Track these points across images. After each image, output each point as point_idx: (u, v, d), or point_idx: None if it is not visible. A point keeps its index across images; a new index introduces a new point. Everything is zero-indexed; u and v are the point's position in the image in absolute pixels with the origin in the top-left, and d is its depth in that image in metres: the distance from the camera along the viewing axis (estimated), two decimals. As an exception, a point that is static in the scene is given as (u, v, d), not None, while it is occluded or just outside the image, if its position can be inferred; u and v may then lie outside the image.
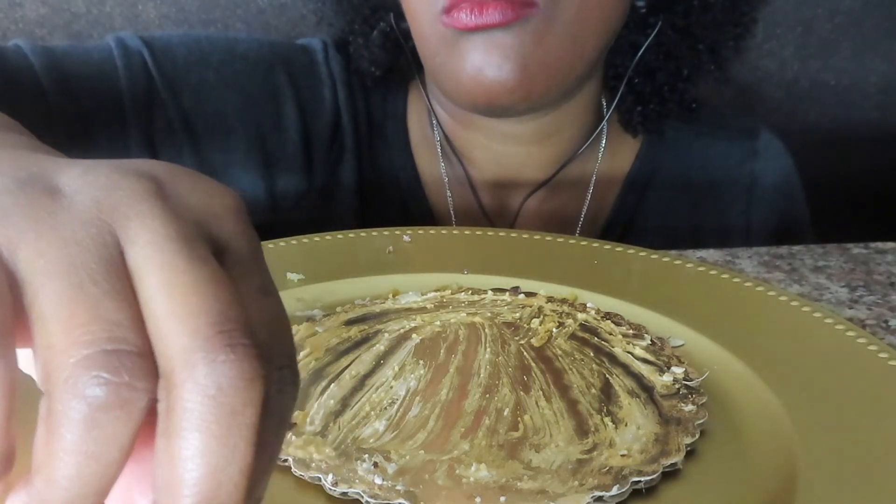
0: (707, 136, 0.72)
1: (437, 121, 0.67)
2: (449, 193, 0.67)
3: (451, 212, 0.67)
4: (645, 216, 0.69)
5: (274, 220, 0.64)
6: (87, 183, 0.21)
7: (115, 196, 0.20)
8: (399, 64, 0.65)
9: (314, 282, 0.45)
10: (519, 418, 0.31)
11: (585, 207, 0.68)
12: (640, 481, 0.28)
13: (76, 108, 0.56)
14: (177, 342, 0.18)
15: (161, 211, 0.20)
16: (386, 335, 0.38)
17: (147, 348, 0.18)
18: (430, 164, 0.68)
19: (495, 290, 0.43)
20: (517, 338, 0.37)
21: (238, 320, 0.19)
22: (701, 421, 0.31)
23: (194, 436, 0.18)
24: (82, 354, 0.18)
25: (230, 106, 0.62)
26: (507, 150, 0.66)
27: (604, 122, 0.67)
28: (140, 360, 0.18)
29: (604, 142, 0.68)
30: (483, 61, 0.53)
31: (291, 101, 0.64)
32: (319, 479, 0.28)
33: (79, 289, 0.18)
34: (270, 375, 0.19)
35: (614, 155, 0.69)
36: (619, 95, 0.65)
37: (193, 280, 0.19)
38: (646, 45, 0.63)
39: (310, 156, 0.65)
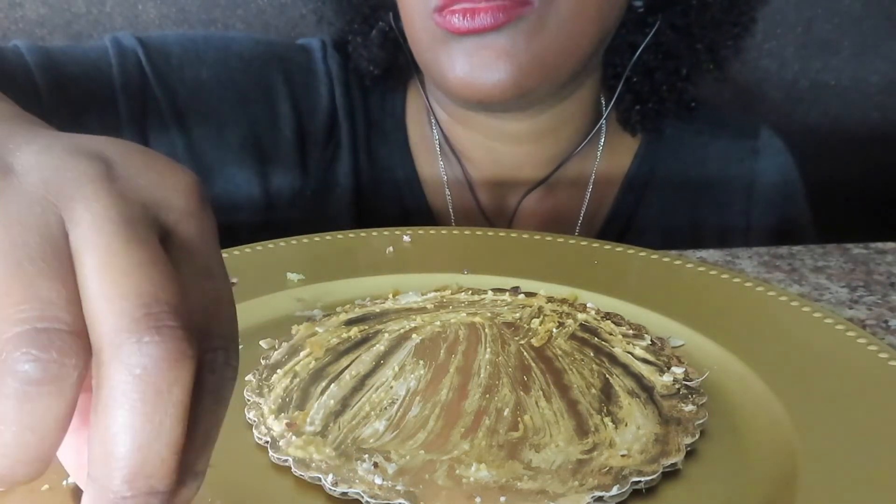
0: (707, 135, 0.72)
1: (436, 120, 0.67)
2: (448, 192, 0.67)
3: (451, 211, 0.67)
4: (644, 215, 0.69)
5: (269, 218, 0.65)
6: (39, 163, 0.21)
7: (63, 177, 0.21)
8: (398, 63, 0.66)
9: (314, 282, 0.45)
10: (519, 418, 0.31)
11: (584, 206, 0.68)
12: (640, 481, 0.28)
13: (71, 107, 0.56)
14: (106, 322, 0.19)
15: (105, 193, 0.21)
16: (386, 335, 0.38)
17: (81, 327, 0.19)
18: (429, 164, 0.68)
19: (495, 290, 0.43)
20: (517, 338, 0.37)
21: (168, 302, 0.19)
22: (701, 421, 0.31)
23: (121, 412, 0.19)
24: (14, 332, 0.18)
25: (224, 104, 0.62)
26: (505, 149, 0.66)
27: (601, 121, 0.67)
28: (70, 338, 0.19)
29: (602, 141, 0.68)
30: (474, 64, 0.53)
31: (286, 98, 0.64)
32: (319, 479, 0.28)
33: (16, 267, 0.19)
34: (204, 356, 0.20)
35: (613, 154, 0.69)
36: (616, 94, 0.65)
37: (128, 262, 0.19)
38: (644, 44, 0.63)
39: (304, 153, 0.65)
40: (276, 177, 0.64)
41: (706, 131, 0.72)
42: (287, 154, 0.64)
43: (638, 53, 0.63)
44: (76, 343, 0.19)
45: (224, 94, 0.62)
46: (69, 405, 0.19)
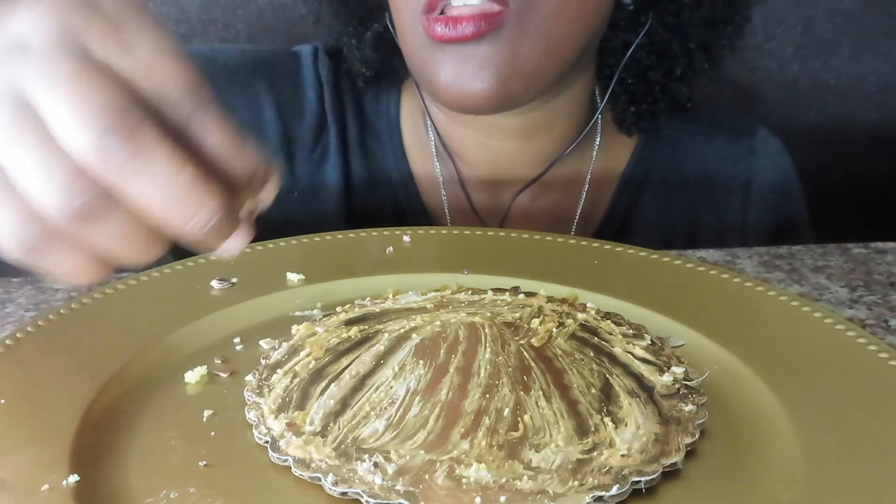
0: (704, 134, 0.72)
1: (432, 120, 0.67)
2: (444, 192, 0.67)
3: (446, 210, 0.67)
4: (641, 214, 0.69)
5: (258, 219, 0.65)
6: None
7: None
8: (392, 65, 0.66)
9: (314, 282, 0.45)
10: (519, 418, 0.31)
11: (580, 205, 0.68)
12: (640, 481, 0.28)
13: None
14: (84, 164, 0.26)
15: (32, 66, 0.27)
16: (386, 335, 0.38)
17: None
18: (424, 163, 0.68)
19: (495, 290, 0.43)
20: (517, 338, 0.37)
21: (99, 111, 0.26)
22: (701, 421, 0.31)
23: (141, 187, 0.26)
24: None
25: None
26: (499, 146, 0.66)
27: (593, 120, 0.67)
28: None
29: (598, 140, 0.68)
30: (458, 73, 0.54)
31: (270, 105, 0.66)
32: (319, 479, 0.28)
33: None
34: (168, 109, 0.27)
35: (609, 153, 0.69)
36: (608, 94, 0.65)
37: (66, 101, 0.26)
38: (636, 43, 0.63)
39: (291, 156, 0.66)
40: None
41: (703, 131, 0.72)
42: (274, 158, 0.65)
43: (630, 52, 0.63)
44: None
45: None
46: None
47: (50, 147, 0.26)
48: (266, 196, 0.31)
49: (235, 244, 0.29)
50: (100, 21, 0.29)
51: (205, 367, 0.35)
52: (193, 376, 0.35)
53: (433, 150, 0.68)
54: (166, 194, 0.26)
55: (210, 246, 0.29)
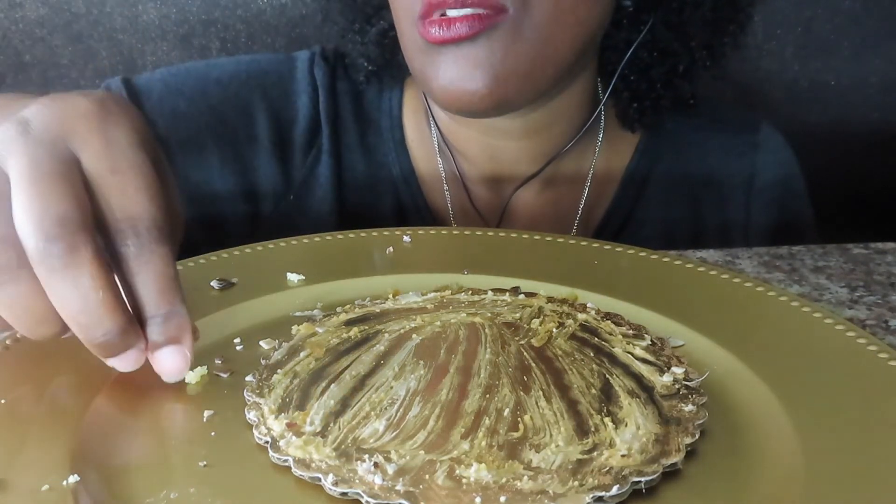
0: (707, 130, 0.72)
1: (433, 117, 0.67)
2: (446, 187, 0.67)
3: (449, 206, 0.67)
4: (644, 209, 0.69)
5: (255, 220, 0.68)
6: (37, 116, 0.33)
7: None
8: (397, 60, 0.66)
9: (314, 282, 0.45)
10: (519, 418, 0.31)
11: (583, 201, 0.68)
12: (640, 481, 0.27)
13: None
14: (28, 252, 0.30)
15: (20, 147, 0.31)
16: (386, 335, 0.38)
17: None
18: (426, 160, 0.68)
19: (495, 290, 0.43)
20: (517, 338, 0.37)
21: (55, 216, 0.29)
22: (701, 421, 0.31)
23: (57, 287, 0.30)
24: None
25: (203, 129, 0.66)
26: (501, 144, 0.66)
27: (593, 118, 0.67)
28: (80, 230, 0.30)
29: (601, 136, 0.68)
30: (454, 73, 0.54)
31: (263, 112, 0.67)
32: (319, 480, 0.28)
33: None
34: (115, 235, 0.31)
35: (612, 150, 0.69)
36: (609, 91, 0.65)
37: (35, 195, 0.30)
38: (637, 41, 0.63)
39: (285, 160, 0.68)
40: (256, 185, 0.67)
41: (706, 126, 0.72)
42: (266, 163, 0.67)
43: (632, 50, 0.63)
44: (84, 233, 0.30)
45: (201, 119, 0.66)
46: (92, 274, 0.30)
47: None
48: (168, 362, 0.33)
49: (175, 366, 0.33)
50: (99, 137, 0.32)
51: (205, 367, 0.35)
52: (194, 376, 0.35)
53: (435, 146, 0.68)
54: (76, 303, 0.30)
55: (101, 355, 0.32)
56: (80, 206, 0.30)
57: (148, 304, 0.31)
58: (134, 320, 0.32)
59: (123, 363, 0.32)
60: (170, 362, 0.33)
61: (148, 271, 0.31)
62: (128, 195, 0.31)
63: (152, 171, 0.33)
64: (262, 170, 0.67)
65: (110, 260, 0.31)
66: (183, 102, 0.66)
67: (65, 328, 0.31)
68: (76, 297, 0.30)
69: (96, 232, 0.31)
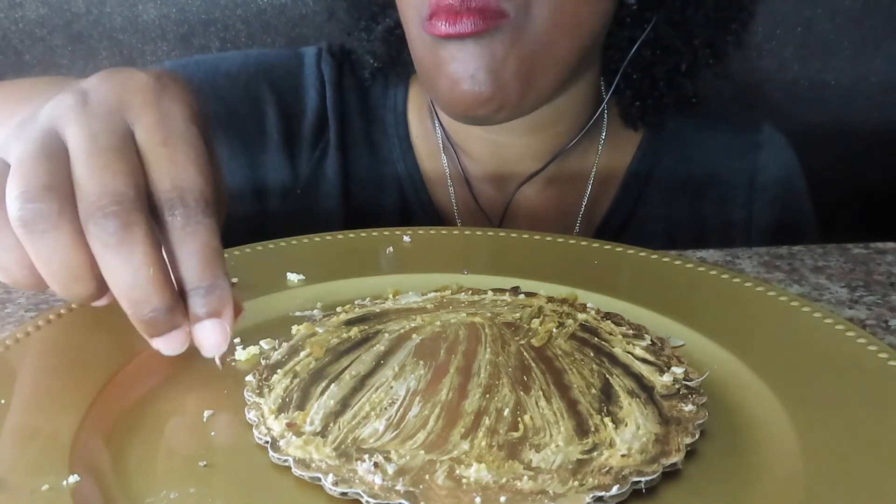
0: (709, 129, 0.72)
1: (437, 115, 0.68)
2: (450, 184, 0.68)
3: (453, 203, 0.68)
4: (646, 208, 0.69)
5: (262, 215, 0.68)
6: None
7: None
8: (402, 58, 0.67)
9: (314, 282, 0.45)
10: (519, 418, 0.31)
11: (585, 199, 0.69)
12: (640, 481, 0.27)
13: None
14: (81, 217, 0.31)
15: (79, 117, 0.33)
16: (386, 335, 0.38)
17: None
18: (431, 157, 0.69)
19: (495, 290, 0.43)
20: (517, 338, 0.37)
21: (113, 193, 0.30)
22: (701, 421, 0.31)
23: (108, 266, 0.31)
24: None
25: (212, 120, 0.65)
26: (504, 141, 0.66)
27: (596, 116, 0.67)
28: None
29: (603, 134, 0.69)
30: (458, 72, 0.55)
31: (272, 105, 0.67)
32: (319, 479, 0.28)
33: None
34: (162, 206, 0.32)
35: (615, 148, 0.69)
36: (612, 89, 0.66)
37: (94, 167, 0.31)
38: (640, 40, 0.63)
39: (293, 154, 0.67)
40: (265, 178, 0.67)
41: (709, 126, 0.72)
42: (274, 157, 0.67)
43: (635, 49, 0.64)
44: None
45: (210, 111, 0.66)
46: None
47: (47, 167, 0.31)
48: (209, 338, 0.33)
49: (215, 340, 0.33)
50: (153, 110, 0.34)
51: (257, 346, 0.37)
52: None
53: (439, 144, 0.68)
54: (127, 279, 0.31)
55: (147, 333, 0.33)
56: (136, 183, 0.31)
57: (191, 275, 0.32)
58: (180, 300, 0.32)
59: (168, 344, 0.33)
60: (210, 336, 0.33)
61: (194, 241, 0.32)
62: (177, 166, 0.32)
63: (202, 145, 0.34)
64: (270, 163, 0.67)
65: (157, 230, 0.32)
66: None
67: (100, 292, 0.32)
68: (128, 273, 0.30)
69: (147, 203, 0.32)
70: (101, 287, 0.32)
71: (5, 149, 0.34)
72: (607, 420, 0.31)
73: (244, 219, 0.67)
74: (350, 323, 0.39)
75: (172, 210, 0.32)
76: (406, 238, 0.51)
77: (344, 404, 0.32)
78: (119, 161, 0.31)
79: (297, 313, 0.42)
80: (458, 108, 0.56)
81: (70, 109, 0.33)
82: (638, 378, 0.34)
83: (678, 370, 0.35)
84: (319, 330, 0.39)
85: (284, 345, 0.37)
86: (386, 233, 0.52)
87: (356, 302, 0.42)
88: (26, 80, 0.52)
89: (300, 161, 0.68)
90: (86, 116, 0.33)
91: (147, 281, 0.31)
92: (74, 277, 0.32)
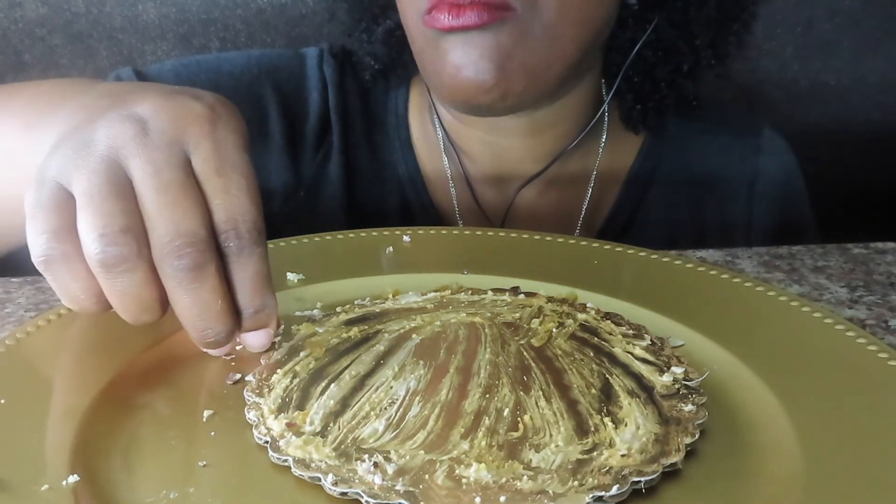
0: (710, 133, 0.72)
1: (438, 116, 0.67)
2: (451, 186, 0.68)
3: (454, 204, 0.68)
4: (647, 211, 0.69)
5: (265, 216, 0.66)
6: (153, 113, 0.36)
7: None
8: (403, 59, 0.67)
9: (314, 282, 0.45)
10: (519, 418, 0.31)
11: (586, 202, 0.68)
12: (640, 481, 0.28)
13: None
14: (155, 256, 0.32)
15: (141, 149, 0.33)
16: (386, 335, 0.38)
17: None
18: (432, 159, 0.68)
19: (495, 290, 0.43)
20: (517, 338, 0.37)
21: (185, 233, 0.32)
22: (701, 421, 0.31)
23: (179, 301, 0.33)
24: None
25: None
26: (505, 143, 0.66)
27: (596, 118, 0.67)
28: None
29: (605, 137, 0.69)
30: (461, 61, 0.54)
31: (275, 106, 0.67)
32: (319, 479, 0.28)
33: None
34: (219, 238, 0.33)
35: (616, 150, 0.69)
36: (613, 90, 0.66)
37: (164, 203, 0.32)
38: (642, 41, 0.63)
39: (296, 156, 0.67)
40: (269, 180, 0.67)
41: (709, 129, 0.72)
42: (278, 158, 0.67)
43: (636, 50, 0.64)
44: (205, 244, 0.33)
45: None
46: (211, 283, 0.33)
47: (121, 207, 0.32)
48: (255, 339, 0.37)
49: (260, 342, 0.37)
50: (209, 141, 0.35)
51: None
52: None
53: (440, 145, 0.68)
54: (195, 311, 0.33)
55: (203, 347, 0.35)
56: (203, 220, 0.33)
57: (243, 298, 0.34)
58: (237, 319, 0.35)
59: (219, 351, 0.36)
60: (256, 341, 0.37)
61: (245, 270, 0.34)
62: (231, 196, 0.34)
63: (253, 173, 0.35)
64: (273, 165, 0.67)
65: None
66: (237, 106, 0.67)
67: (163, 315, 0.34)
68: (197, 307, 0.33)
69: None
70: (165, 312, 0.34)
71: (61, 170, 0.33)
72: (607, 420, 0.31)
73: None
74: (350, 323, 0.39)
75: (227, 241, 0.33)
76: (406, 238, 0.51)
77: (344, 404, 0.32)
78: (185, 197, 0.33)
79: (297, 313, 0.42)
80: (461, 95, 0.56)
81: (131, 140, 0.34)
82: (638, 378, 0.34)
83: (678, 370, 0.35)
84: (319, 330, 0.39)
85: (284, 345, 0.37)
86: (386, 233, 0.52)
87: (356, 302, 0.42)
88: (47, 82, 0.52)
89: (303, 162, 0.68)
90: (147, 149, 0.33)
91: (214, 312, 0.33)
92: (144, 308, 0.33)
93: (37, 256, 0.33)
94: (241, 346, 0.37)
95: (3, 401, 0.32)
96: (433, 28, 0.54)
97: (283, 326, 0.39)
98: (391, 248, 0.50)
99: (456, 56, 0.54)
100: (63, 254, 0.32)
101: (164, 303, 0.34)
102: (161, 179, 0.33)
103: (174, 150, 0.34)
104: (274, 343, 0.38)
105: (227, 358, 0.37)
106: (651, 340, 0.38)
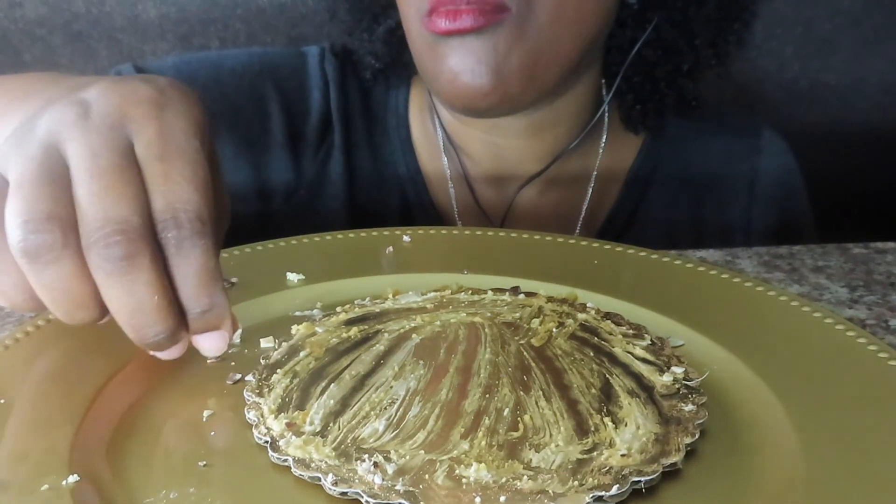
0: (709, 133, 0.72)
1: (438, 116, 0.67)
2: (451, 186, 0.68)
3: (454, 204, 0.68)
4: (646, 212, 0.69)
5: (265, 215, 0.67)
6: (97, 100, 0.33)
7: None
8: (403, 59, 0.67)
9: (314, 282, 0.45)
10: (519, 418, 0.31)
11: (586, 202, 0.69)
12: (640, 481, 0.28)
13: None
14: (83, 244, 0.30)
15: (79, 132, 0.31)
16: (386, 335, 0.38)
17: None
18: (432, 159, 0.69)
19: (495, 290, 0.43)
20: (517, 338, 0.37)
21: (116, 220, 0.29)
22: (701, 421, 0.31)
23: (110, 295, 0.30)
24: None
25: (217, 117, 0.66)
26: (505, 143, 0.66)
27: (596, 118, 0.67)
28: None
29: (604, 137, 0.69)
30: (459, 65, 0.55)
31: (277, 104, 0.67)
32: (319, 479, 0.28)
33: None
34: (158, 228, 0.30)
35: (616, 150, 0.69)
36: (613, 90, 0.66)
37: (96, 191, 0.30)
38: (642, 40, 0.63)
39: (297, 154, 0.67)
40: (269, 178, 0.67)
41: (709, 130, 0.72)
42: (278, 156, 0.67)
43: (636, 49, 0.64)
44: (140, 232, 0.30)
45: (215, 109, 0.67)
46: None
47: (49, 192, 0.30)
48: (207, 343, 0.34)
49: (215, 346, 0.34)
50: (154, 124, 0.32)
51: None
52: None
53: (440, 145, 0.68)
54: (130, 307, 0.30)
55: (148, 349, 0.33)
56: (138, 207, 0.30)
57: (187, 296, 0.31)
58: (182, 319, 0.32)
59: (167, 354, 0.33)
60: (208, 344, 0.33)
61: (188, 264, 0.31)
62: (172, 182, 0.31)
63: (203, 161, 0.32)
64: (274, 163, 0.67)
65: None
66: (197, 91, 0.66)
67: (102, 316, 0.32)
68: (131, 302, 0.30)
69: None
70: (104, 311, 0.32)
71: (4, 161, 0.32)
72: (607, 420, 0.31)
73: (247, 219, 0.67)
74: (350, 323, 0.39)
75: (166, 231, 0.31)
76: (406, 238, 0.51)
77: (344, 404, 0.32)
78: (121, 183, 0.30)
79: (297, 313, 0.42)
80: (459, 100, 0.56)
81: (71, 125, 0.32)
82: (638, 378, 0.34)
83: (678, 370, 0.35)
84: (319, 330, 0.39)
85: (284, 345, 0.37)
86: (386, 233, 0.52)
87: (356, 302, 0.42)
88: (22, 76, 0.50)
89: (304, 162, 0.68)
90: (86, 132, 0.31)
91: (151, 308, 0.30)
92: (76, 305, 0.31)
93: None
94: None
95: (2, 401, 0.32)
96: (431, 32, 0.54)
97: (241, 329, 0.36)
98: (391, 248, 0.50)
99: (453, 61, 0.55)
100: None
101: (101, 300, 0.31)
102: (97, 164, 0.30)
103: (115, 135, 0.32)
104: (274, 345, 0.37)
105: (225, 360, 0.37)
106: (651, 340, 0.38)
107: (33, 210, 0.29)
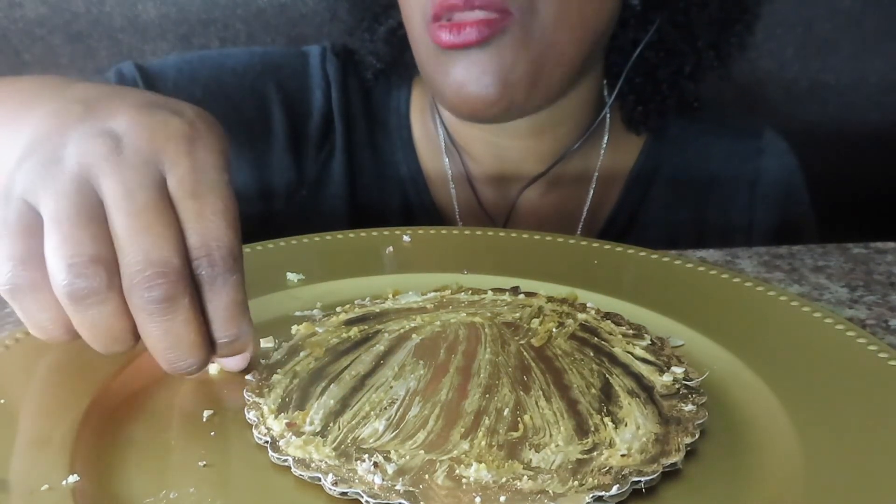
0: (711, 134, 0.72)
1: (440, 116, 0.67)
2: (452, 185, 0.68)
3: (455, 204, 0.68)
4: (648, 212, 0.69)
5: (267, 215, 0.67)
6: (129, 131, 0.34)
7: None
8: (404, 59, 0.67)
9: (314, 282, 0.45)
10: (519, 418, 0.31)
11: (588, 203, 0.69)
12: (640, 481, 0.27)
13: None
14: (125, 285, 0.31)
15: (113, 168, 0.32)
16: (386, 335, 0.38)
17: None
18: (433, 159, 0.68)
19: (495, 290, 0.43)
20: (517, 338, 0.37)
21: (157, 263, 0.30)
22: (701, 421, 0.31)
23: (149, 332, 0.31)
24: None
25: (218, 118, 0.65)
26: (507, 144, 0.66)
27: (599, 119, 0.67)
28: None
29: (606, 137, 0.69)
30: (464, 77, 0.55)
31: (279, 104, 0.66)
32: (319, 479, 0.28)
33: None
34: (193, 265, 0.31)
35: (617, 151, 0.69)
36: (615, 92, 0.66)
37: (135, 230, 0.30)
38: (644, 42, 0.63)
39: (299, 154, 0.67)
40: (270, 177, 0.67)
41: (711, 131, 0.72)
42: (280, 156, 0.67)
43: (639, 51, 0.64)
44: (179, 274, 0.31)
45: (217, 108, 0.65)
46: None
47: (91, 233, 0.30)
48: (232, 363, 0.35)
49: (237, 366, 0.35)
50: (187, 161, 0.33)
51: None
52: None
53: (442, 146, 0.68)
54: (167, 343, 0.31)
55: (175, 374, 0.33)
56: (176, 247, 0.31)
57: (218, 328, 0.33)
58: (212, 347, 0.33)
59: (191, 376, 0.34)
60: (232, 364, 0.35)
61: (220, 299, 0.32)
62: (205, 220, 0.32)
63: (232, 195, 0.33)
64: (275, 163, 0.67)
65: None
66: (198, 90, 0.65)
67: (135, 344, 0.32)
68: (168, 339, 0.31)
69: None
70: (137, 341, 0.32)
71: (28, 188, 0.31)
72: (607, 420, 0.31)
73: (248, 219, 0.66)
74: (350, 323, 0.39)
75: (200, 269, 0.32)
76: (406, 238, 0.51)
77: (344, 404, 0.32)
78: (158, 223, 0.31)
79: (297, 313, 0.42)
80: (465, 109, 0.56)
81: (103, 159, 0.32)
82: (638, 378, 0.34)
83: (678, 370, 0.35)
84: (319, 330, 0.39)
85: (284, 345, 0.37)
86: (386, 233, 0.52)
87: (356, 302, 0.42)
88: (24, 80, 0.50)
89: (306, 162, 0.68)
90: (120, 168, 0.32)
91: (187, 345, 0.31)
92: (115, 339, 0.32)
93: (2, 285, 0.31)
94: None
95: (3, 401, 0.32)
96: (436, 44, 0.55)
97: (259, 347, 0.37)
98: (391, 248, 0.50)
99: (458, 73, 0.55)
100: (30, 282, 0.31)
101: (136, 333, 0.32)
102: (133, 202, 0.31)
103: (149, 171, 0.32)
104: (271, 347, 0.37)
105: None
106: (651, 340, 0.38)
107: (77, 253, 0.30)
